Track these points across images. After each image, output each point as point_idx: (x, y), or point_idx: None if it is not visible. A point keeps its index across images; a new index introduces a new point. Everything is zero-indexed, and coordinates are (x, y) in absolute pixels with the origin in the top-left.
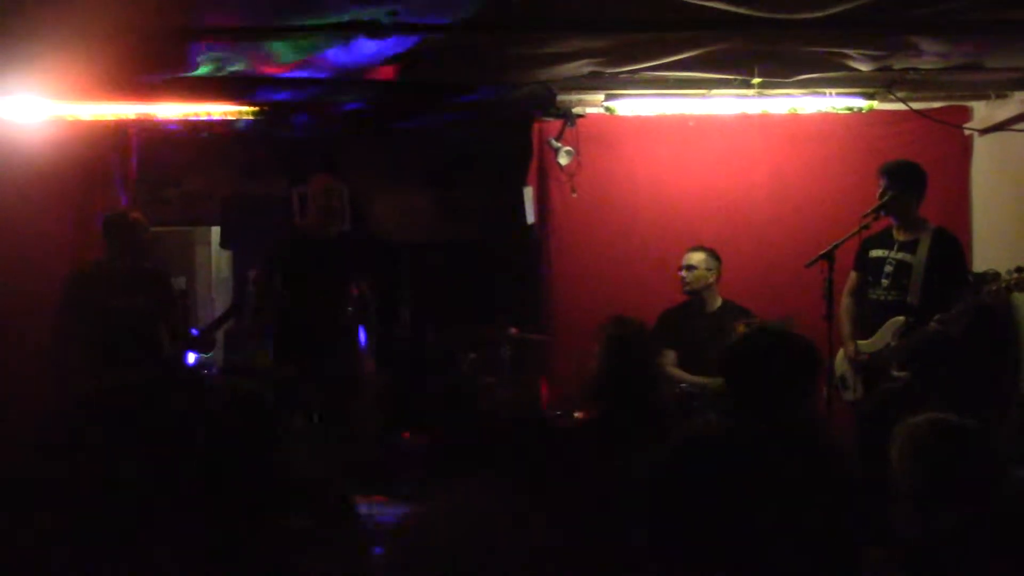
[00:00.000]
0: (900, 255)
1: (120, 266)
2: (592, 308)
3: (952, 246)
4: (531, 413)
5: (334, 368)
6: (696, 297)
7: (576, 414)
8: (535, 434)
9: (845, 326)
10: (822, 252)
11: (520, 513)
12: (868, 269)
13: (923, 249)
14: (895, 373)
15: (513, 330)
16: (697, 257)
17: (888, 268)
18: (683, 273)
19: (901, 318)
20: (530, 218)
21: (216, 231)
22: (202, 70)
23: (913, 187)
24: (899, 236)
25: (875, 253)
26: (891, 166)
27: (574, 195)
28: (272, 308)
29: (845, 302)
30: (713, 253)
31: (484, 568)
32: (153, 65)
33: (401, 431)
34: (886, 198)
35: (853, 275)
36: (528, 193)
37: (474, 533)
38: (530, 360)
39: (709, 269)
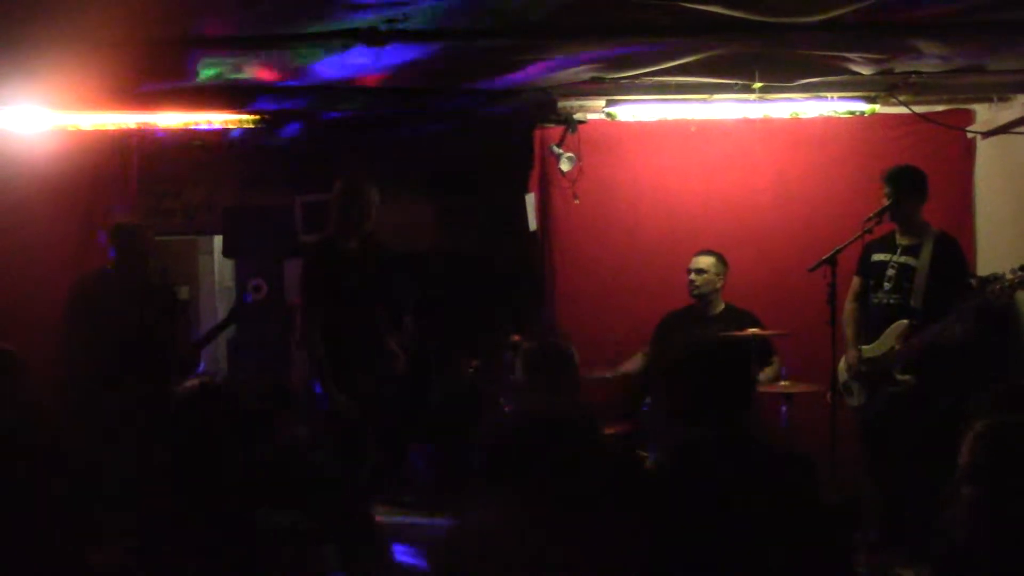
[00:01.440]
0: (903, 259)
1: (126, 276)
2: (595, 314)
3: (954, 250)
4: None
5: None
6: (702, 300)
7: None
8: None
9: (849, 331)
10: (825, 257)
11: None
12: (871, 273)
13: (926, 253)
14: (899, 377)
15: (516, 337)
16: (707, 261)
17: (891, 272)
18: (692, 276)
19: (904, 321)
20: (532, 225)
21: (219, 240)
22: (202, 76)
23: (915, 192)
24: (902, 240)
25: (877, 257)
26: (893, 172)
27: (576, 201)
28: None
29: (849, 307)
30: (721, 257)
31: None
32: (153, 74)
33: (404, 439)
34: (888, 203)
35: (856, 280)
36: (530, 200)
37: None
38: None
39: (718, 274)
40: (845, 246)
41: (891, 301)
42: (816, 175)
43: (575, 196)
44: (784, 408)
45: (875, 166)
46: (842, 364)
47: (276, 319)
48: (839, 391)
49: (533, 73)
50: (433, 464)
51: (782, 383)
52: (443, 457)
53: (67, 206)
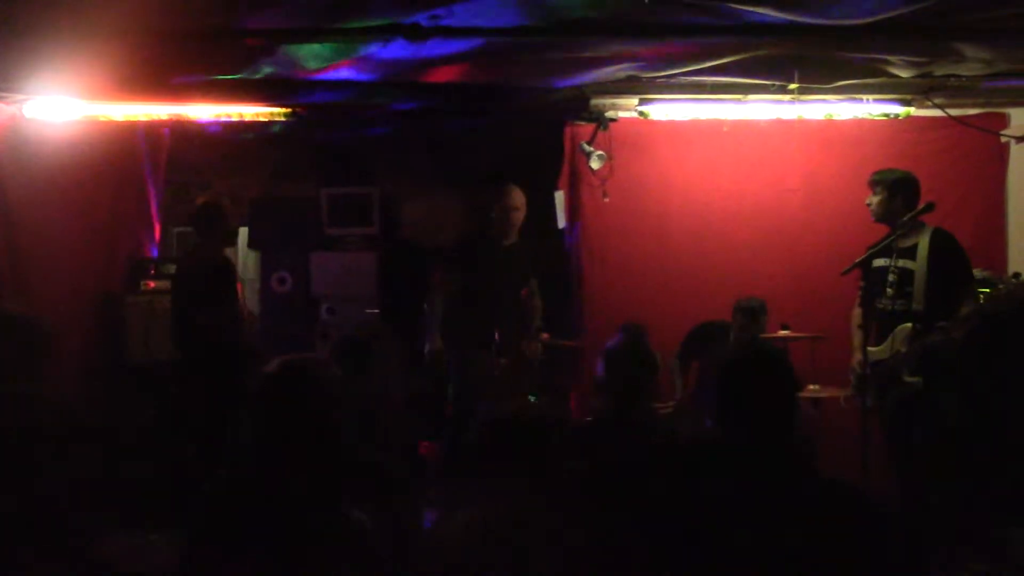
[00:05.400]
0: (900, 262)
1: (212, 254)
2: (624, 313)
3: (950, 245)
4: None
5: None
6: None
7: None
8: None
9: (855, 335)
10: (857, 260)
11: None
12: (872, 278)
13: (922, 253)
14: (907, 379)
15: (544, 335)
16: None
17: (891, 277)
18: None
19: (908, 324)
20: (561, 222)
21: (244, 232)
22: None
23: (915, 195)
24: (899, 243)
25: (878, 262)
26: (895, 178)
27: (606, 199)
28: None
29: (855, 312)
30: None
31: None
32: (189, 66)
33: (423, 439)
34: (929, 203)
35: (861, 284)
36: (559, 197)
37: (498, 538)
38: (562, 366)
39: None
40: (878, 248)
41: (896, 307)
42: (848, 177)
43: (605, 194)
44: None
45: (908, 168)
46: (852, 366)
47: (301, 312)
48: (854, 393)
49: (571, 73)
50: (453, 460)
51: (811, 387)
52: (462, 453)
53: (97, 195)
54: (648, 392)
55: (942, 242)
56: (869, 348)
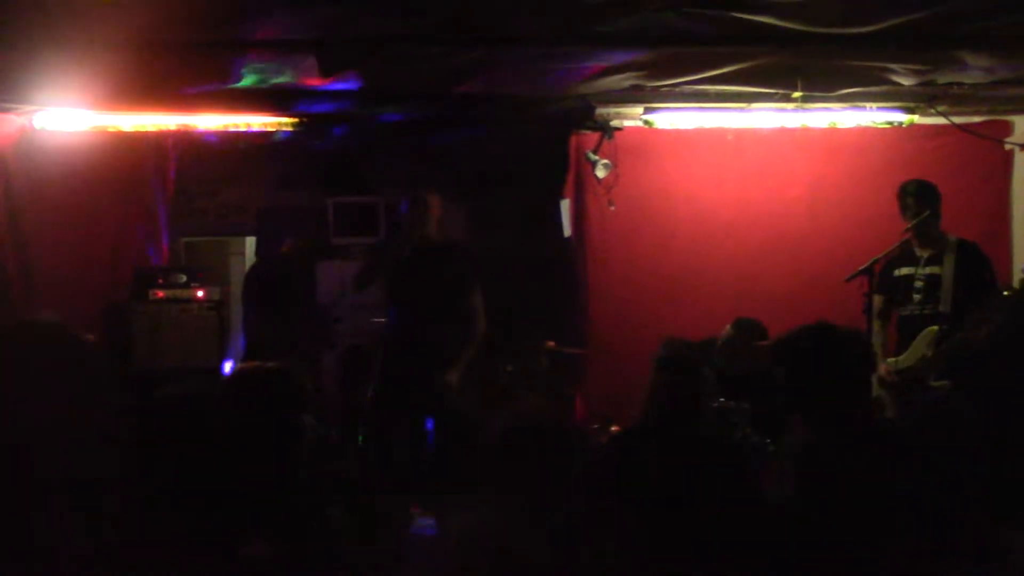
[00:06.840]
0: (927, 269)
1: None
2: (629, 321)
3: (977, 255)
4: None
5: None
6: None
7: (613, 428)
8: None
9: (877, 348)
10: (861, 267)
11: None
12: (895, 289)
13: (949, 261)
14: (933, 384)
15: (550, 343)
16: None
17: (919, 284)
18: None
19: (935, 327)
20: (566, 231)
21: (250, 241)
22: (246, 82)
23: (937, 203)
24: (922, 252)
25: (901, 272)
26: (918, 185)
27: (611, 208)
28: None
29: (875, 325)
30: None
31: None
32: (197, 77)
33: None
34: (925, 214)
35: (878, 298)
36: (565, 206)
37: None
38: (567, 373)
39: None
40: (882, 256)
41: (924, 312)
42: (852, 184)
43: (610, 203)
44: None
45: (911, 176)
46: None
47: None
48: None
49: (574, 80)
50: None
51: None
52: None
53: (106, 204)
54: (693, 403)
55: (969, 252)
56: (895, 359)
